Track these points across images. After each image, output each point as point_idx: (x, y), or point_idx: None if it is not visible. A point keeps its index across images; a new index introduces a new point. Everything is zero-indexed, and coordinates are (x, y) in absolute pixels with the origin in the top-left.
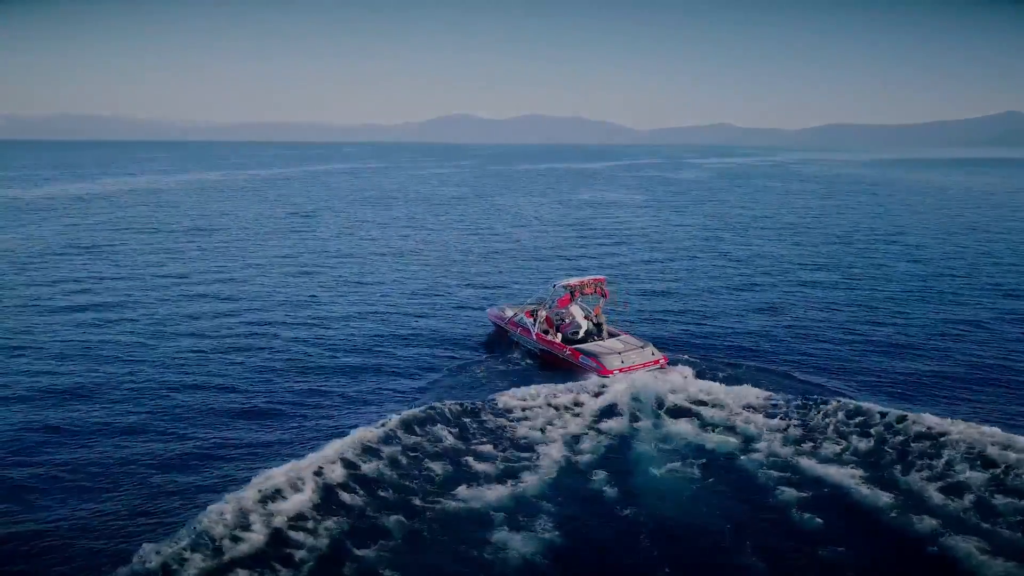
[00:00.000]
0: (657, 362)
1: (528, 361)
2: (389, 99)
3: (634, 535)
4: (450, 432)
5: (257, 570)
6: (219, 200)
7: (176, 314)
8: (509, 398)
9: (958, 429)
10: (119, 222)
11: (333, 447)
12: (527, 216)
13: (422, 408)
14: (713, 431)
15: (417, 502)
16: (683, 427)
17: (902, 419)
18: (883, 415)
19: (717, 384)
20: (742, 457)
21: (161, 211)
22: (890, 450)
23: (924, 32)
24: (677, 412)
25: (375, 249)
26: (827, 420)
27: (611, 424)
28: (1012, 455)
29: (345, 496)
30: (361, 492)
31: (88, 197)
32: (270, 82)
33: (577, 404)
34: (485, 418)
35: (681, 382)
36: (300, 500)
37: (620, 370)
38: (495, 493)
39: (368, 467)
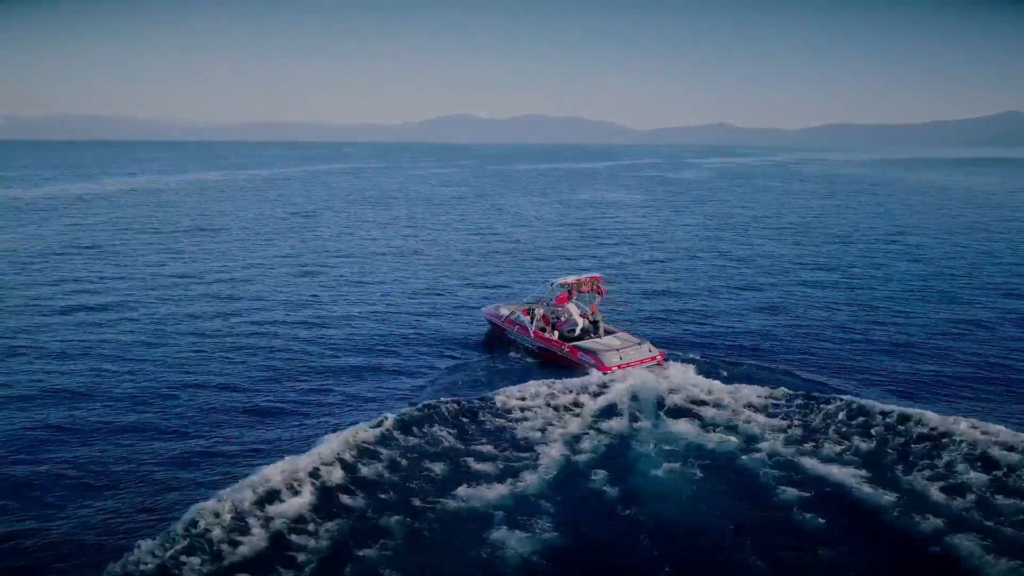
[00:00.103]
0: (654, 358)
1: (527, 359)
2: (389, 99)
3: (634, 535)
4: (449, 432)
5: (254, 568)
6: (219, 200)
7: (176, 313)
8: (508, 397)
9: (960, 428)
10: (119, 222)
11: (332, 446)
12: (527, 216)
13: (422, 407)
14: (714, 431)
15: (416, 502)
16: (683, 427)
17: (903, 418)
18: (884, 414)
19: (718, 383)
20: (743, 457)
21: (161, 211)
22: (891, 449)
23: (924, 32)
24: (677, 412)
25: (375, 249)
26: (828, 419)
27: (611, 424)
28: (1014, 454)
29: (343, 495)
30: (360, 491)
31: (88, 197)
32: (270, 82)
33: (577, 404)
34: (484, 417)
35: (681, 380)
36: (298, 499)
37: (618, 366)
38: (495, 493)
39: (367, 466)
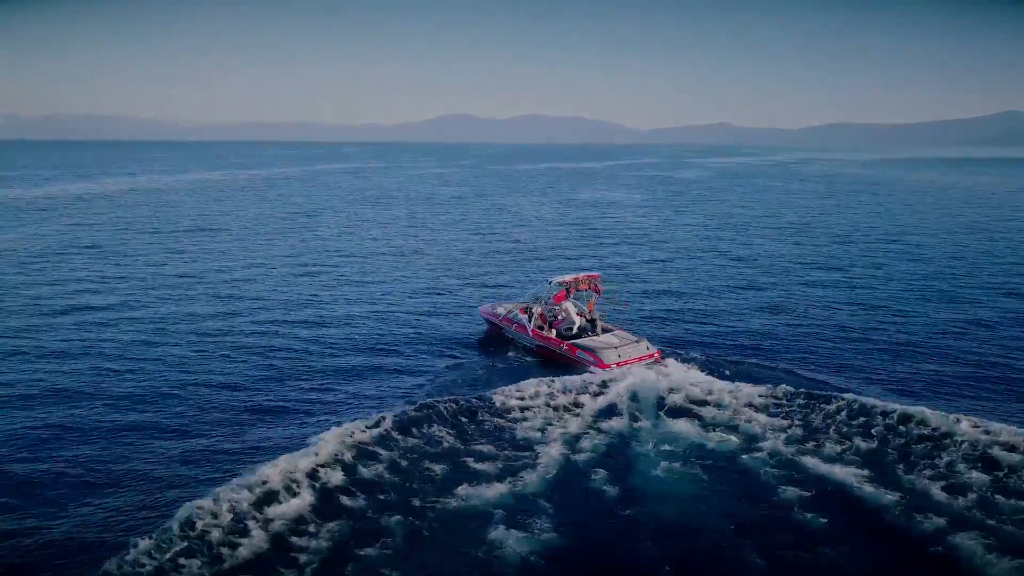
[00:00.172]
0: (652, 356)
1: (525, 358)
2: (389, 99)
3: (634, 534)
4: (449, 431)
5: (251, 567)
6: (219, 200)
7: (176, 313)
8: (508, 396)
9: (961, 427)
10: (119, 222)
11: (330, 446)
12: (527, 215)
13: (421, 406)
14: (714, 430)
15: (416, 501)
16: (683, 426)
17: (905, 417)
18: (885, 413)
19: (718, 382)
20: (743, 456)
21: (161, 211)
22: (892, 449)
23: (924, 32)
24: (677, 411)
25: (375, 248)
26: (829, 419)
27: (611, 423)
28: (1016, 454)
29: (342, 494)
30: (359, 491)
31: (88, 197)
32: (270, 82)
33: (577, 404)
34: (484, 417)
35: (681, 379)
36: (296, 498)
37: (617, 364)
38: (494, 492)
39: (366, 466)
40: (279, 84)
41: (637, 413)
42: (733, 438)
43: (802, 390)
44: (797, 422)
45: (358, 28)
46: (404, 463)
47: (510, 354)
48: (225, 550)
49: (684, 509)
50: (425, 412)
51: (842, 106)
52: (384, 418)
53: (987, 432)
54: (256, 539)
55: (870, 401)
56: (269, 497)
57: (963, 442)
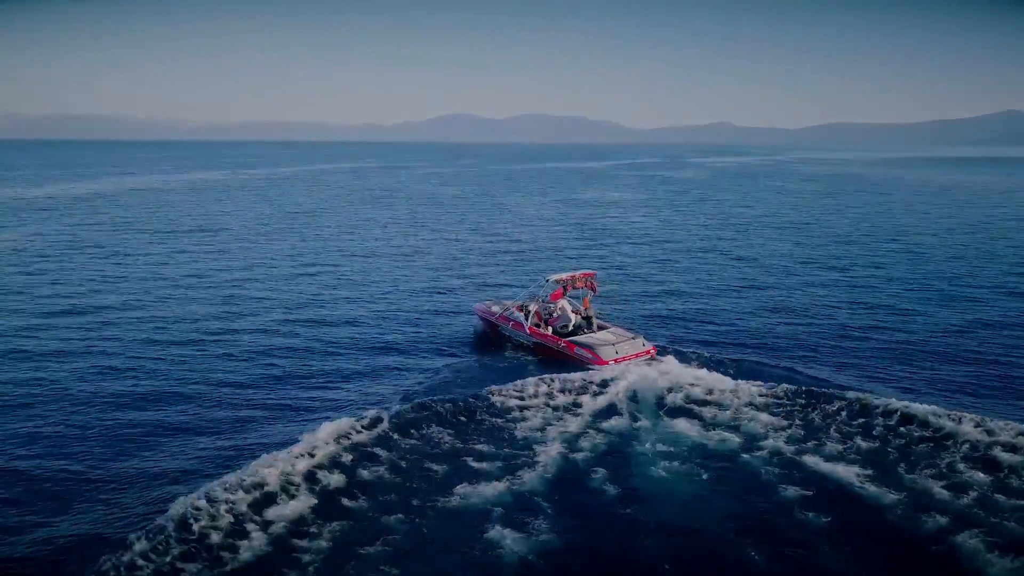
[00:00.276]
0: (648, 352)
1: (524, 356)
2: (389, 99)
3: (634, 534)
4: (447, 430)
5: (248, 565)
6: (219, 200)
7: (176, 312)
8: (507, 396)
9: (962, 426)
10: (119, 222)
11: (329, 445)
12: (528, 215)
13: (419, 405)
14: (714, 429)
15: (414, 501)
16: (684, 425)
17: (906, 416)
18: (887, 412)
19: (719, 381)
20: (744, 455)
21: (162, 211)
22: (893, 448)
23: (924, 32)
24: (678, 410)
25: (375, 248)
26: (830, 418)
27: (611, 423)
28: (1017, 453)
29: (340, 493)
30: (357, 490)
31: (88, 197)
32: (271, 82)
33: (576, 404)
34: (482, 416)
35: (681, 378)
36: (292, 498)
37: (615, 360)
38: (493, 491)
39: (364, 465)
40: (280, 84)
41: (637, 412)
42: (733, 437)
43: (803, 389)
44: (798, 421)
45: (358, 28)
46: (403, 462)
47: (507, 353)
48: (219, 546)
49: (684, 509)
50: (424, 411)
51: (843, 106)
52: (383, 417)
53: (988, 431)
54: (251, 537)
55: (871, 400)
56: (266, 496)
57: (964, 442)
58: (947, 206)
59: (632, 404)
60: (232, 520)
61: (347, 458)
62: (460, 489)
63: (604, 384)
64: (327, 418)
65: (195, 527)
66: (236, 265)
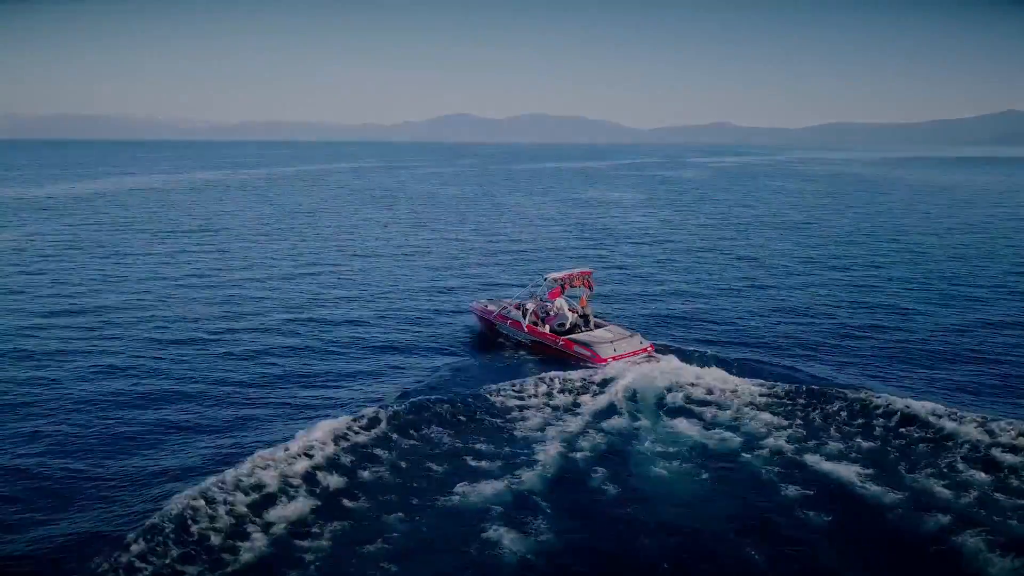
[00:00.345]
0: (646, 350)
1: (522, 354)
2: (389, 99)
3: (634, 534)
4: (446, 429)
5: (246, 565)
6: (219, 199)
7: (175, 312)
8: (506, 395)
9: (963, 425)
10: (119, 222)
11: (327, 444)
12: (528, 215)
13: (418, 405)
14: (715, 428)
15: (413, 500)
16: (684, 425)
17: (907, 415)
18: (887, 412)
19: (719, 380)
20: (744, 454)
21: (162, 211)
22: (894, 447)
23: (925, 32)
24: (678, 410)
25: (375, 248)
26: (830, 417)
27: (611, 422)
28: (1018, 452)
29: (338, 493)
30: (356, 490)
31: (88, 197)
32: (271, 82)
33: (576, 403)
34: (481, 415)
35: (680, 377)
36: (290, 497)
37: (613, 358)
38: (493, 490)
39: (363, 465)
40: (280, 84)
41: (637, 412)
42: (734, 437)
43: (803, 388)
44: (798, 421)
45: (359, 28)
46: (402, 462)
47: (505, 352)
48: (216, 545)
49: (684, 508)
50: (423, 410)
51: (843, 106)
52: (381, 416)
53: (989, 431)
54: (249, 536)
55: (872, 399)
56: (264, 495)
57: (965, 441)
58: (947, 206)
59: (632, 404)
60: (232, 520)
61: (346, 458)
62: (459, 488)
63: (604, 383)
64: (326, 417)
65: (193, 526)
66: (236, 265)
